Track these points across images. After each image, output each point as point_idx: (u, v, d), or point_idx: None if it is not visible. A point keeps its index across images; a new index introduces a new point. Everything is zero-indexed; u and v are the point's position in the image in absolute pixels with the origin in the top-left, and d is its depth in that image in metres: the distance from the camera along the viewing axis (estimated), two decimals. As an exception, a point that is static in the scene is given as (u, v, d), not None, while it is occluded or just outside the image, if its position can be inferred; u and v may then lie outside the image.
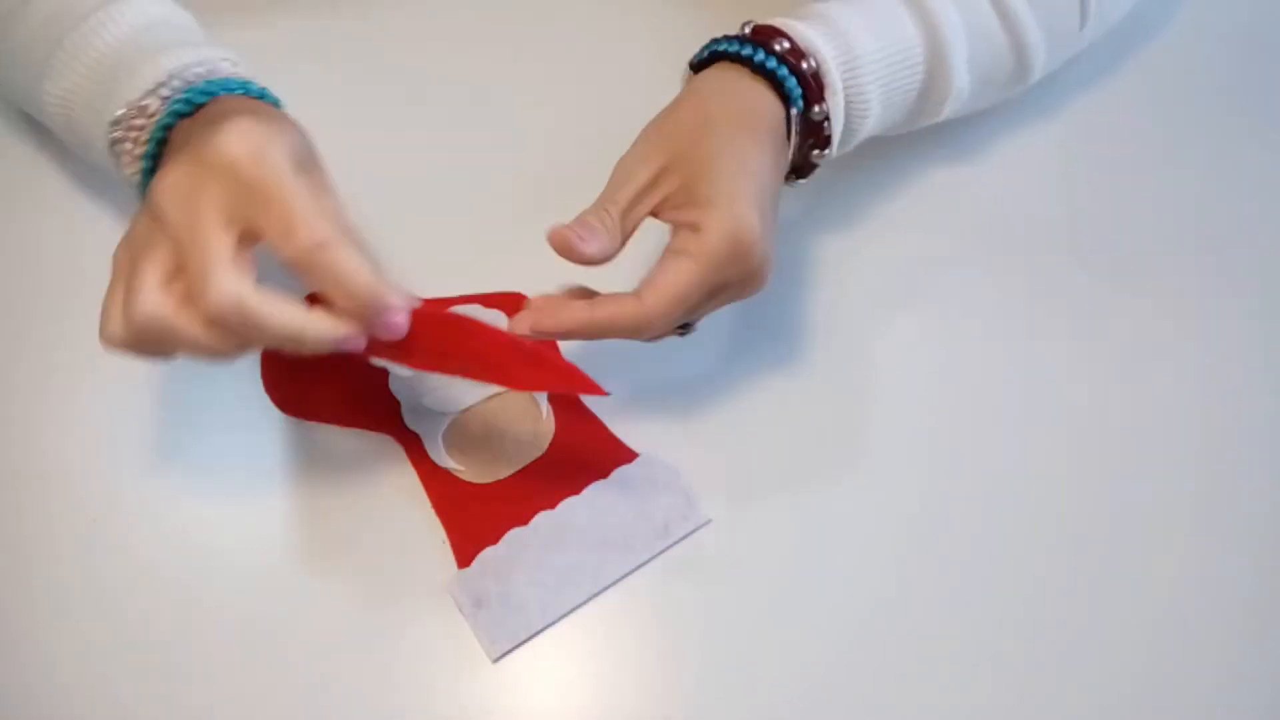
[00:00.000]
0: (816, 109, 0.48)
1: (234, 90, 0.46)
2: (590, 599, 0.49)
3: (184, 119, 0.45)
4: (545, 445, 0.52)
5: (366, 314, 0.41)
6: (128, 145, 0.46)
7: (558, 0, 0.64)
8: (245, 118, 0.40)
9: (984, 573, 0.50)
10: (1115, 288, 0.56)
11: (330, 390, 0.52)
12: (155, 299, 0.38)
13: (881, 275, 0.57)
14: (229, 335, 0.39)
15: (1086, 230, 0.58)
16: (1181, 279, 0.57)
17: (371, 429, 0.52)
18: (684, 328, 0.49)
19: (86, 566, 0.49)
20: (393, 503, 0.51)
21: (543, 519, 0.50)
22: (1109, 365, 0.54)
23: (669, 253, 0.46)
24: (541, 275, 0.55)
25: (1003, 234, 0.58)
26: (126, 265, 0.40)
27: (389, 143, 0.60)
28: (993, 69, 0.53)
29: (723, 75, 0.49)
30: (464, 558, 0.49)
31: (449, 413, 0.52)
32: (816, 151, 0.50)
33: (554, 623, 0.48)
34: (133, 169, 0.46)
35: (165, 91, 0.46)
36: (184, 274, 0.39)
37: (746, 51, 0.49)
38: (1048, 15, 0.53)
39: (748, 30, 0.50)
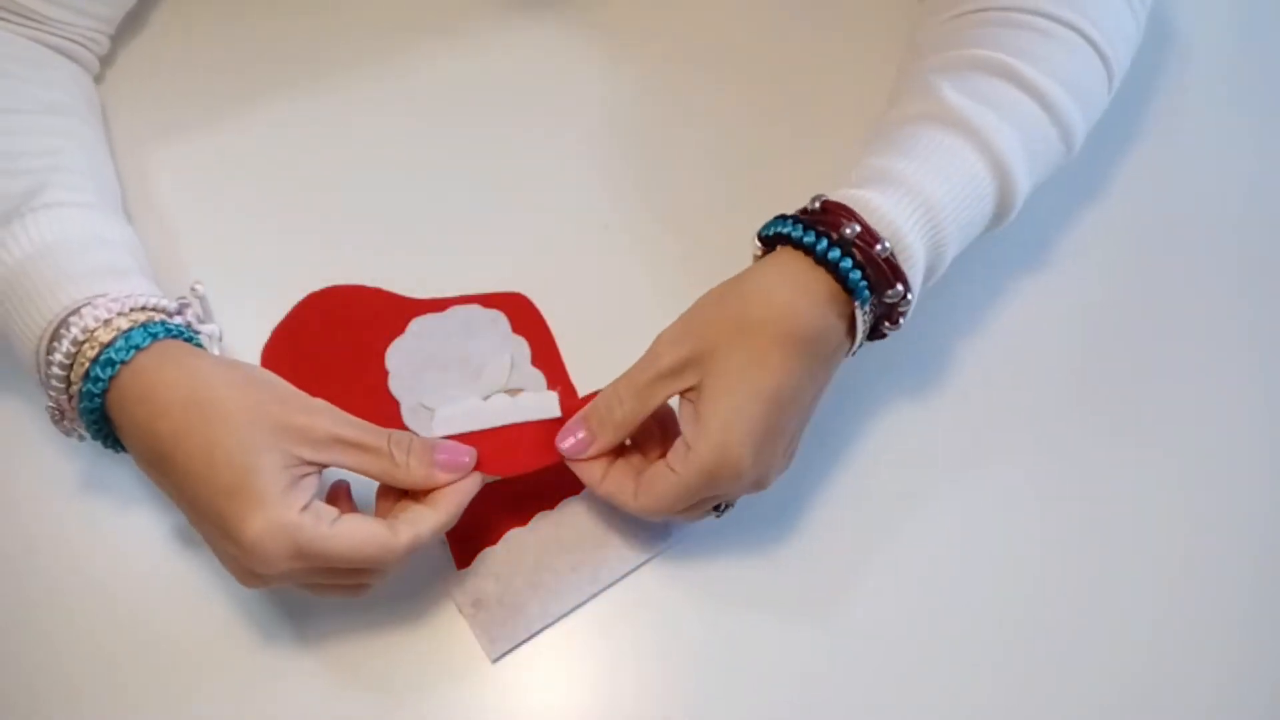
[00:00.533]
0: (890, 292, 0.44)
1: (150, 338, 0.44)
2: (589, 599, 0.49)
3: (110, 390, 0.44)
4: (548, 417, 0.52)
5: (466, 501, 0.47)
6: (56, 410, 0.46)
7: (562, 16, 0.64)
8: (255, 522, 0.41)
9: (985, 566, 0.50)
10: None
11: (330, 390, 0.52)
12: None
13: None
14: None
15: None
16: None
17: (371, 429, 0.52)
18: (717, 510, 0.48)
19: (83, 567, 0.49)
20: (392, 503, 0.51)
21: (542, 520, 0.50)
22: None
23: (664, 461, 0.45)
24: (540, 276, 0.56)
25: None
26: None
27: (391, 144, 0.60)
28: (1049, 164, 0.51)
29: (782, 265, 0.46)
30: (463, 558, 0.49)
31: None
32: (889, 324, 0.46)
33: (553, 623, 0.48)
34: (77, 427, 0.46)
35: (62, 356, 0.44)
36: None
37: (809, 240, 0.45)
38: (1082, 94, 0.51)
39: (817, 205, 0.46)
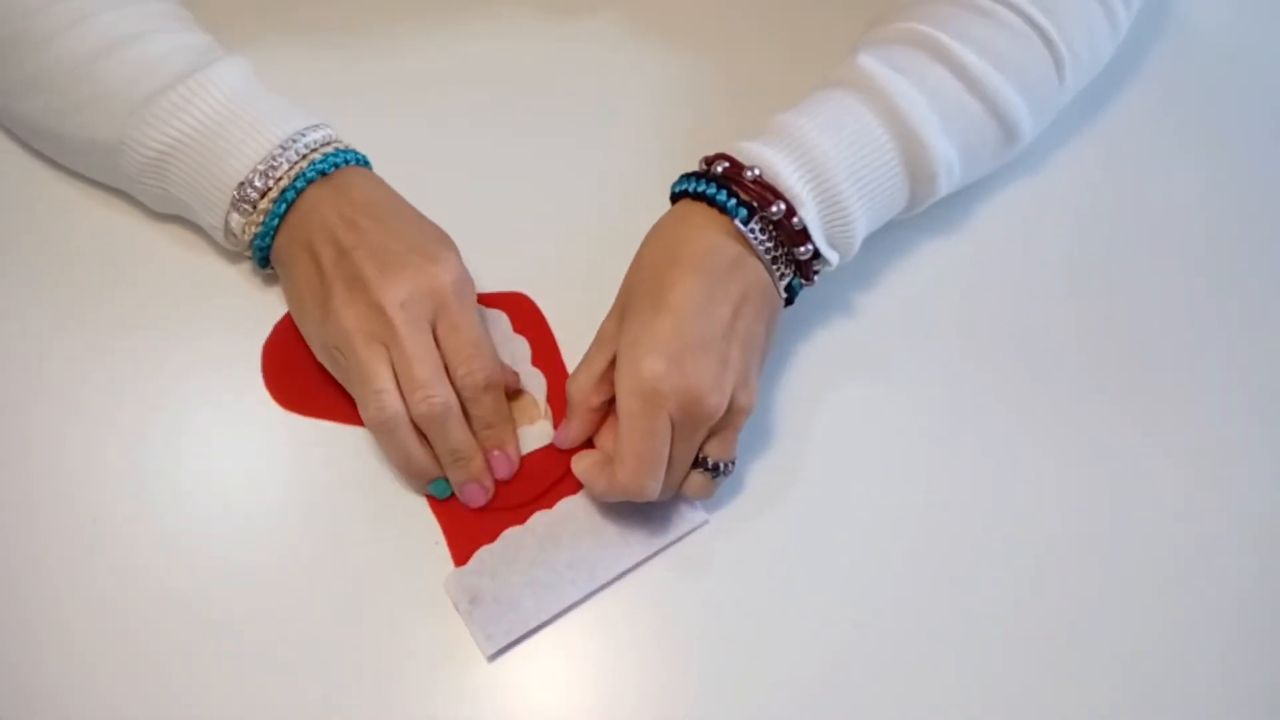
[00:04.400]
0: (773, 209, 0.48)
1: (351, 162, 0.53)
2: (586, 597, 0.49)
3: (317, 182, 0.51)
4: (544, 444, 0.52)
5: (488, 448, 0.51)
6: (254, 197, 0.51)
7: (573, 17, 0.65)
8: (453, 254, 0.51)
9: (982, 571, 0.50)
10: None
11: (330, 387, 0.52)
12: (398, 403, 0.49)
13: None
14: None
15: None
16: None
17: (370, 426, 0.52)
18: (713, 471, 0.49)
19: (86, 567, 0.49)
20: (389, 501, 0.51)
21: (540, 518, 0.50)
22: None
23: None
24: (544, 276, 0.56)
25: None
26: (372, 360, 0.48)
27: (398, 138, 0.59)
28: (976, 137, 0.53)
29: (670, 212, 0.51)
30: (460, 555, 0.49)
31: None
32: (801, 249, 0.49)
33: (550, 621, 0.48)
34: (254, 222, 0.52)
35: (293, 155, 0.51)
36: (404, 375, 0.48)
37: (681, 186, 0.51)
38: (1019, 73, 0.53)
39: (702, 164, 0.51)
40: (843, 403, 0.54)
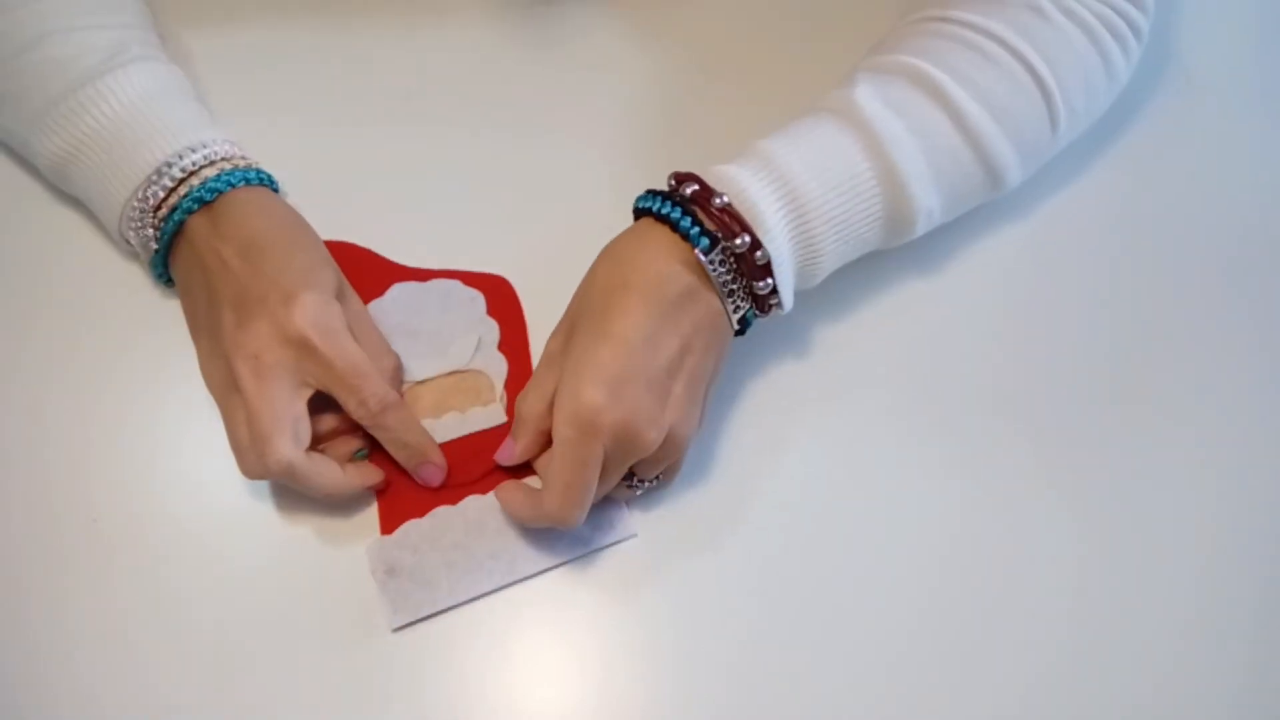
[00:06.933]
0: (738, 241, 0.46)
1: (240, 183, 0.51)
2: (501, 589, 0.49)
3: (198, 211, 0.50)
4: (494, 425, 0.52)
5: (413, 465, 0.50)
6: (137, 226, 0.51)
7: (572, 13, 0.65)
8: (310, 293, 0.47)
9: (987, 564, 0.50)
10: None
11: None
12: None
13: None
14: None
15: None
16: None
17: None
18: (638, 486, 0.49)
19: (86, 567, 0.49)
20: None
21: (472, 503, 0.50)
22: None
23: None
24: (526, 263, 0.56)
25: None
26: (230, 417, 0.48)
27: (409, 119, 0.61)
28: (962, 184, 0.52)
29: (630, 230, 0.49)
30: (388, 525, 0.50)
31: (405, 381, 0.53)
32: (761, 284, 0.47)
33: (459, 605, 0.48)
34: (145, 251, 0.52)
35: (168, 181, 0.50)
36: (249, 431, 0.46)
37: (645, 204, 0.49)
38: (1013, 123, 0.52)
39: (672, 181, 0.49)
40: (831, 403, 0.54)
